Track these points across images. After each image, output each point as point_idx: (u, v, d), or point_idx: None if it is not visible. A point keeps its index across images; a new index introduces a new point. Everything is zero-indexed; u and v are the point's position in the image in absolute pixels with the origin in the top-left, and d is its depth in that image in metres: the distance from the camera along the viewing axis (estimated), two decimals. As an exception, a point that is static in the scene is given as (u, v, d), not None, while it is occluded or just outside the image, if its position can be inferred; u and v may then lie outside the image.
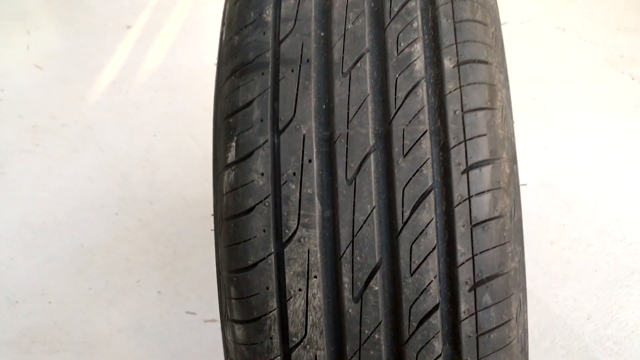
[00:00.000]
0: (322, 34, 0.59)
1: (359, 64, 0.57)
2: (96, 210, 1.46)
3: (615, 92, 1.68)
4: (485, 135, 0.54)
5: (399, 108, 0.55)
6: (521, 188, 1.40)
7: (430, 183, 0.53)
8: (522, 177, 1.43)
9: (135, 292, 1.29)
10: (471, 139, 0.54)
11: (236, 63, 0.59)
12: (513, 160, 0.59)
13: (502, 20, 0.76)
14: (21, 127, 1.71)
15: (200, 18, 2.15)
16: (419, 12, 0.59)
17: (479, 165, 0.54)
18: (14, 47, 2.04)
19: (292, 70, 0.57)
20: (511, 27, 1.94)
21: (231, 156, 0.56)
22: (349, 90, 0.55)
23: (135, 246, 1.38)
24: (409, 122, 0.54)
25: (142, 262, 1.35)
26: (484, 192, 0.53)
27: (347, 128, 0.54)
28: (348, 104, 0.55)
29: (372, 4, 0.60)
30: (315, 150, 0.54)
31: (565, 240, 1.34)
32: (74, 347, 1.20)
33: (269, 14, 0.60)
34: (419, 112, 0.54)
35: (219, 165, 0.58)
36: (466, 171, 0.53)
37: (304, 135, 0.54)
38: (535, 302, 1.23)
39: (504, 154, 0.56)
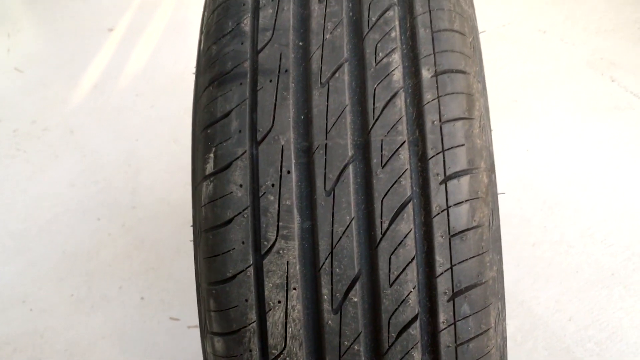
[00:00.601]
0: (300, 43, 0.59)
1: (337, 74, 0.56)
2: (78, 216, 1.45)
3: (596, 94, 1.70)
4: (463, 145, 0.55)
5: (377, 119, 0.55)
6: (502, 190, 1.42)
7: (408, 194, 0.53)
8: (504, 180, 1.44)
9: (118, 298, 1.28)
10: (449, 149, 0.54)
11: (214, 73, 0.59)
12: (491, 169, 0.59)
13: (481, 28, 0.76)
14: (1, 131, 1.70)
15: (183, 20, 2.14)
16: (397, 22, 0.59)
17: (457, 175, 0.54)
18: (-7, 50, 2.02)
19: (271, 81, 0.56)
20: (492, 30, 1.95)
21: (209, 167, 0.56)
22: (328, 101, 0.55)
23: (118, 252, 1.37)
24: (387, 132, 0.54)
25: (125, 268, 1.34)
26: (462, 202, 0.53)
27: (326, 139, 0.54)
28: (326, 115, 0.55)
29: (351, 14, 0.60)
30: (293, 161, 0.54)
31: (546, 242, 1.35)
32: (56, 354, 1.19)
33: (247, 24, 0.60)
34: (397, 122, 0.55)
35: (198, 176, 0.58)
36: (444, 181, 0.53)
37: (282, 146, 0.54)
38: (517, 305, 1.24)
39: (482, 163, 0.56)
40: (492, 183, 0.59)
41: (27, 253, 1.37)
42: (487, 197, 0.56)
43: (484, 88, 0.64)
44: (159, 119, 1.71)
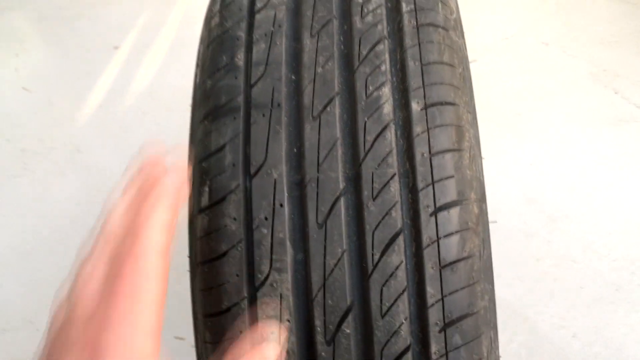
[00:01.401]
0: (293, 77, 0.59)
1: (328, 108, 0.57)
2: (84, 235, 1.46)
3: (599, 106, 1.70)
4: (452, 177, 0.55)
5: (368, 151, 0.55)
6: (506, 204, 1.42)
7: (399, 226, 0.54)
8: (507, 194, 1.44)
9: (123, 317, 1.29)
10: (439, 181, 0.55)
11: (209, 107, 0.60)
12: (482, 199, 0.59)
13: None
14: (9, 151, 1.71)
15: (187, 37, 2.16)
16: (387, 55, 0.59)
17: (447, 207, 0.54)
18: (2, 69, 2.05)
19: (264, 115, 0.57)
20: (495, 43, 1.96)
21: (204, 200, 0.57)
22: (319, 134, 0.56)
23: (123, 271, 1.38)
24: (378, 165, 0.55)
25: (130, 287, 1.35)
26: (452, 233, 0.54)
27: (318, 172, 0.55)
28: (318, 148, 0.55)
29: (342, 47, 0.61)
30: (286, 194, 0.55)
31: (551, 257, 1.35)
32: (62, 375, 1.20)
33: (240, 58, 0.60)
34: (387, 155, 0.55)
35: (194, 209, 0.58)
36: (434, 213, 0.54)
37: (275, 179, 0.55)
38: (521, 321, 1.24)
39: (472, 194, 0.56)
40: (483, 213, 0.60)
41: (35, 273, 1.38)
42: (478, 227, 0.56)
43: (474, 118, 0.65)
44: (164, 136, 1.72)
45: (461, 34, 0.68)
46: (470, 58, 0.73)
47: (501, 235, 1.38)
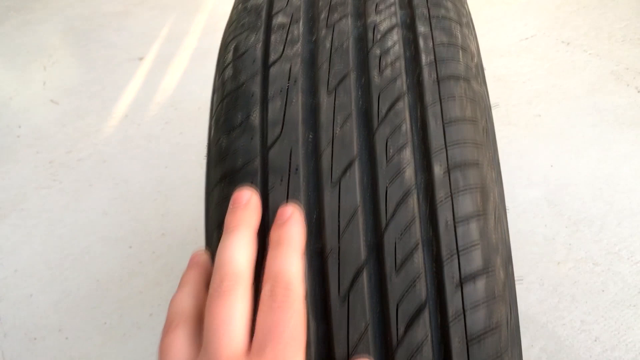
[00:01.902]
0: (310, 136, 0.57)
1: (348, 173, 0.55)
2: (111, 245, 1.50)
3: (621, 106, 1.68)
4: (478, 244, 0.53)
5: (389, 220, 0.53)
6: (526, 207, 1.41)
7: (424, 298, 0.52)
8: (527, 197, 1.44)
9: (148, 325, 1.33)
10: (464, 249, 0.53)
11: (225, 169, 0.58)
12: (508, 260, 0.57)
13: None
14: (38, 163, 1.77)
15: (209, 46, 2.19)
16: (407, 114, 0.57)
17: (472, 277, 0.53)
18: (31, 83, 2.11)
19: (281, 180, 0.55)
20: (515, 43, 1.95)
21: None
22: (339, 202, 0.54)
23: (148, 279, 1.42)
24: (401, 234, 0.53)
25: (155, 295, 1.38)
26: (478, 305, 0.52)
27: (339, 242, 0.53)
28: (339, 217, 0.53)
29: (360, 104, 0.59)
30: (307, 264, 0.53)
31: (571, 260, 1.34)
32: (90, 382, 1.24)
33: (256, 117, 0.58)
34: (410, 223, 0.53)
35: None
36: (460, 284, 0.52)
37: None
38: (541, 325, 1.24)
39: (497, 260, 0.54)
40: (509, 275, 0.57)
41: (63, 283, 1.42)
42: (504, 293, 0.55)
43: (499, 173, 0.63)
44: (187, 145, 1.76)
45: (483, 81, 0.66)
46: (492, 102, 0.71)
47: (521, 238, 1.38)
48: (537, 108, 1.71)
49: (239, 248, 0.49)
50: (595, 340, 1.20)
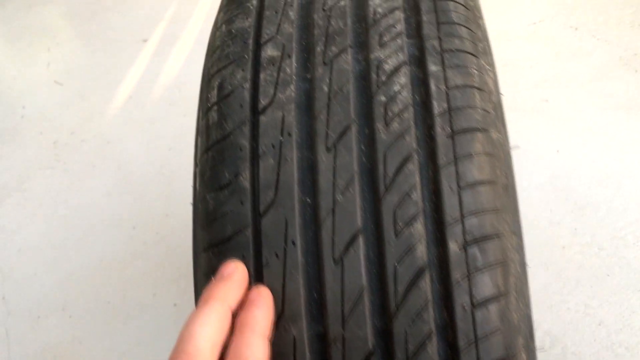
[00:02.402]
0: (308, 200, 0.50)
1: (351, 249, 0.48)
2: (115, 225, 1.50)
3: (629, 92, 1.66)
4: (498, 330, 0.47)
5: (399, 305, 0.47)
6: (532, 192, 1.40)
7: None
8: (534, 182, 1.43)
9: (152, 305, 1.33)
10: (483, 337, 0.47)
11: (212, 236, 0.51)
12: (530, 336, 0.52)
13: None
14: (42, 143, 1.76)
15: (214, 29, 2.18)
16: (417, 177, 0.50)
17: None
18: (35, 64, 2.10)
19: (277, 256, 0.49)
20: (522, 29, 1.93)
21: None
22: (342, 282, 0.48)
23: (152, 260, 1.42)
24: (412, 321, 0.47)
25: (158, 276, 1.38)
26: None
27: (343, 329, 0.47)
28: (342, 300, 0.47)
29: (364, 162, 0.51)
30: (308, 354, 0.48)
31: (576, 244, 1.34)
32: (94, 360, 1.24)
33: (246, 177, 0.51)
34: (422, 308, 0.47)
35: None
36: None
37: (294, 337, 0.48)
38: (546, 309, 1.23)
39: (519, 341, 0.49)
40: (532, 352, 0.52)
41: (67, 263, 1.42)
42: None
43: (520, 235, 0.55)
44: (190, 127, 1.75)
45: (502, 123, 0.58)
46: (512, 142, 0.63)
47: (526, 223, 1.37)
48: (544, 93, 1.69)
49: (206, 324, 0.44)
50: (600, 324, 1.20)
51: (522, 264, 0.54)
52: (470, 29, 0.60)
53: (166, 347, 1.22)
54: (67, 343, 1.27)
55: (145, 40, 2.13)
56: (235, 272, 0.48)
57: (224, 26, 0.62)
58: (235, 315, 0.47)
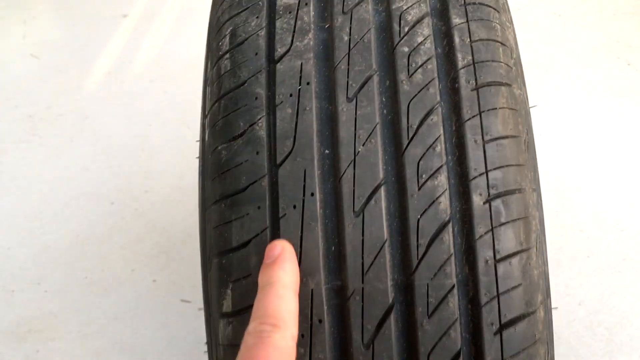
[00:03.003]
0: (327, 152, 0.48)
1: (373, 201, 0.47)
2: (92, 200, 1.47)
3: (611, 78, 1.68)
4: (520, 285, 0.47)
5: (421, 258, 0.46)
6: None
7: (459, 346, 0.46)
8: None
9: (130, 280, 1.30)
10: (505, 292, 0.46)
11: (225, 187, 0.50)
12: (547, 293, 0.52)
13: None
14: (17, 117, 1.71)
15: (195, 6, 2.14)
16: (442, 130, 0.49)
17: (513, 323, 0.46)
18: (10, 37, 2.04)
19: (294, 207, 0.47)
20: (507, 13, 1.93)
21: (227, 305, 0.48)
22: (363, 235, 0.47)
23: (130, 235, 1.39)
24: (434, 275, 0.46)
25: (137, 251, 1.36)
26: (519, 352, 0.46)
27: (362, 282, 0.46)
28: (362, 253, 0.46)
29: (385, 114, 0.50)
30: (325, 308, 0.46)
31: (558, 226, 1.35)
32: (69, 335, 1.21)
33: (262, 127, 0.50)
34: (445, 262, 0.46)
35: (213, 313, 0.50)
36: (499, 331, 0.46)
37: (312, 290, 0.47)
38: (527, 289, 1.24)
39: (539, 297, 0.48)
40: (548, 310, 0.52)
41: (42, 236, 1.39)
42: (544, 333, 0.49)
43: (539, 193, 0.55)
44: (171, 104, 1.72)
45: (522, 81, 0.58)
46: (530, 102, 0.61)
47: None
48: (528, 77, 1.69)
49: (281, 299, 0.44)
50: (580, 304, 1.21)
51: (542, 222, 0.54)
52: None
53: (143, 323, 1.20)
54: (43, 317, 1.24)
55: (125, 16, 2.09)
56: (284, 252, 0.46)
57: None
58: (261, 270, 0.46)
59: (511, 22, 0.61)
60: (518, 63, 0.58)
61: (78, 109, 1.72)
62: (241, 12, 0.56)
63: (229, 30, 0.55)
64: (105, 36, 2.00)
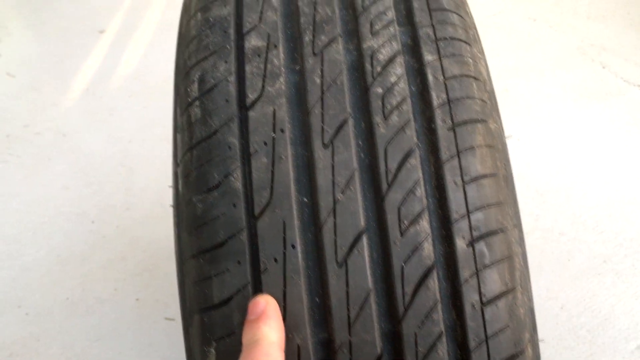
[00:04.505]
0: (305, 200, 0.48)
1: (355, 250, 0.46)
2: (72, 219, 1.45)
3: (586, 81, 1.70)
4: (507, 327, 0.47)
5: (408, 306, 0.46)
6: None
7: None
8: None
9: (113, 299, 1.29)
10: (493, 336, 0.46)
11: (202, 242, 0.48)
12: (533, 329, 0.51)
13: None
14: (-7, 136, 1.70)
15: (173, 19, 2.13)
16: (421, 173, 0.48)
17: None
18: (-15, 56, 2.02)
19: (276, 260, 0.46)
20: (483, 19, 1.95)
21: None
22: (347, 286, 0.46)
23: (112, 254, 1.38)
24: (422, 322, 0.46)
25: (119, 270, 1.34)
26: None
27: (349, 334, 0.45)
28: (348, 304, 0.46)
29: (363, 158, 0.49)
30: (310, 358, 0.46)
31: (538, 230, 1.36)
32: (51, 358, 1.20)
33: (237, 178, 0.48)
34: (431, 309, 0.46)
35: None
36: None
37: (298, 345, 0.46)
38: (510, 294, 1.25)
39: (526, 335, 0.48)
40: (536, 346, 0.51)
41: (22, 257, 1.37)
42: None
43: (520, 228, 0.54)
44: (151, 119, 1.71)
45: (497, 114, 0.57)
46: (505, 132, 0.61)
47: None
48: (504, 83, 1.71)
49: (268, 357, 0.43)
50: (562, 308, 1.22)
51: (524, 257, 0.54)
52: (461, 16, 0.58)
53: (127, 343, 1.19)
54: (24, 340, 1.23)
55: (101, 31, 2.08)
56: (268, 308, 0.45)
57: (199, 14, 0.58)
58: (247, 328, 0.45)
59: (482, 53, 0.59)
60: (492, 95, 0.57)
61: (56, 127, 1.71)
62: (209, 56, 0.54)
63: (197, 75, 0.54)
64: (82, 52, 1.99)
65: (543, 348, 1.16)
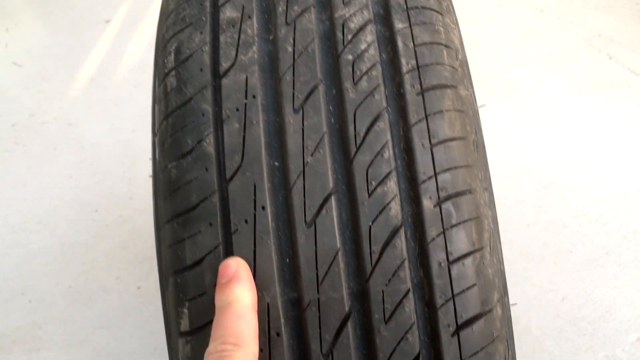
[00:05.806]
0: (276, 164, 0.49)
1: (324, 211, 0.47)
2: (76, 208, 1.47)
3: (593, 72, 1.68)
4: (474, 285, 0.47)
5: (375, 265, 0.47)
6: (498, 170, 1.41)
7: (417, 350, 0.46)
8: (499, 161, 1.43)
9: (115, 288, 1.30)
10: (460, 293, 0.47)
11: (177, 206, 0.50)
12: (504, 291, 0.52)
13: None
14: (0, 125, 1.71)
15: (179, 10, 2.13)
16: (389, 136, 0.49)
17: (470, 323, 0.47)
18: (-8, 45, 2.03)
19: (246, 222, 0.47)
20: (489, 10, 1.93)
21: (184, 324, 0.48)
22: (316, 245, 0.47)
23: (115, 242, 1.39)
24: (389, 280, 0.46)
25: (122, 258, 1.35)
26: (477, 351, 0.47)
27: (318, 293, 0.46)
28: (316, 263, 0.47)
29: (333, 122, 0.50)
30: (282, 321, 0.46)
31: (541, 222, 1.35)
32: (55, 345, 1.21)
33: (210, 142, 0.50)
34: (398, 267, 0.47)
35: (172, 332, 0.50)
36: (456, 332, 0.46)
37: (268, 304, 0.47)
38: (511, 285, 1.24)
39: (495, 296, 0.48)
40: (506, 308, 0.52)
41: (26, 246, 1.39)
42: (502, 331, 0.49)
43: (491, 192, 0.55)
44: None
45: (469, 81, 0.58)
46: (479, 101, 0.64)
47: (492, 201, 1.38)
48: (510, 73, 1.70)
49: (241, 318, 0.44)
50: (563, 299, 1.22)
51: (495, 220, 0.54)
52: None
53: (129, 330, 1.20)
54: (27, 327, 1.24)
55: (107, 21, 2.08)
56: (239, 270, 0.45)
57: None
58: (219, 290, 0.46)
59: (456, 24, 0.61)
60: (464, 64, 0.58)
61: (61, 117, 1.72)
62: (185, 28, 0.56)
63: (173, 47, 0.55)
64: (88, 42, 2.00)
65: (543, 339, 1.16)
